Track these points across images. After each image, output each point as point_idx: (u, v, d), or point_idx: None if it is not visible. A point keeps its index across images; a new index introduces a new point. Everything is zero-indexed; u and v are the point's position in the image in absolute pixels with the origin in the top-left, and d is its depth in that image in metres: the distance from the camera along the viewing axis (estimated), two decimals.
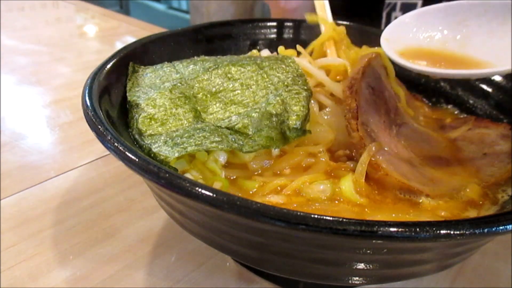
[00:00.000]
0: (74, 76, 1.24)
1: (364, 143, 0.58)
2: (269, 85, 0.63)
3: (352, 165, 0.60)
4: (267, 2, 1.28)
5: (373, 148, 0.57)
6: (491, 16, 0.61)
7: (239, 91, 0.63)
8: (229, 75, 0.64)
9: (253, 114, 0.59)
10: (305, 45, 0.77)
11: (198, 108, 0.60)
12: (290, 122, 0.59)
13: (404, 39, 0.65)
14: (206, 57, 0.72)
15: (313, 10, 0.81)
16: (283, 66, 0.67)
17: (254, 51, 0.82)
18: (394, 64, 0.66)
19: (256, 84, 0.63)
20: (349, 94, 0.62)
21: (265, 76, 0.64)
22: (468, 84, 0.80)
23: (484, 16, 0.61)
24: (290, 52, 0.75)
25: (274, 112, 0.59)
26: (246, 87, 0.63)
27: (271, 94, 0.62)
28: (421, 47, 0.64)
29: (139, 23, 1.75)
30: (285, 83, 0.63)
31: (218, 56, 0.73)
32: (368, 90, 0.65)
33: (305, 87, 0.64)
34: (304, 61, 0.70)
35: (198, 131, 0.55)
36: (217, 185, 0.55)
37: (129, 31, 1.67)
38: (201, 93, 0.62)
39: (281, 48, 0.76)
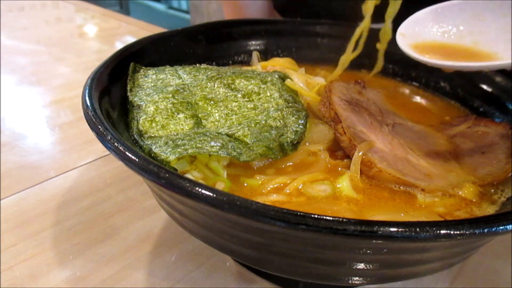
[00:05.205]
0: (74, 76, 1.24)
1: (354, 144, 0.59)
2: (270, 100, 0.65)
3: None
4: None
5: (363, 147, 0.58)
6: (506, 10, 0.61)
7: (241, 102, 0.64)
8: (232, 86, 0.66)
9: (253, 125, 0.60)
10: (304, 44, 0.77)
11: (199, 115, 0.61)
12: (289, 136, 0.60)
13: (420, 34, 0.65)
14: (209, 66, 0.73)
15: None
16: (285, 83, 0.69)
17: (256, 66, 0.82)
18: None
19: (258, 98, 0.65)
20: (324, 109, 0.65)
21: (267, 90, 0.66)
22: (469, 84, 0.80)
23: (500, 10, 0.61)
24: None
25: (274, 125, 0.61)
26: (248, 99, 0.64)
27: (272, 108, 0.63)
28: (437, 41, 0.64)
29: (139, 23, 1.75)
30: (286, 100, 0.65)
31: (220, 67, 0.74)
32: (342, 102, 0.66)
33: (305, 107, 0.66)
34: (299, 83, 0.72)
35: (198, 135, 0.56)
36: (220, 186, 0.55)
37: (129, 31, 1.67)
38: (203, 101, 0.63)
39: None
